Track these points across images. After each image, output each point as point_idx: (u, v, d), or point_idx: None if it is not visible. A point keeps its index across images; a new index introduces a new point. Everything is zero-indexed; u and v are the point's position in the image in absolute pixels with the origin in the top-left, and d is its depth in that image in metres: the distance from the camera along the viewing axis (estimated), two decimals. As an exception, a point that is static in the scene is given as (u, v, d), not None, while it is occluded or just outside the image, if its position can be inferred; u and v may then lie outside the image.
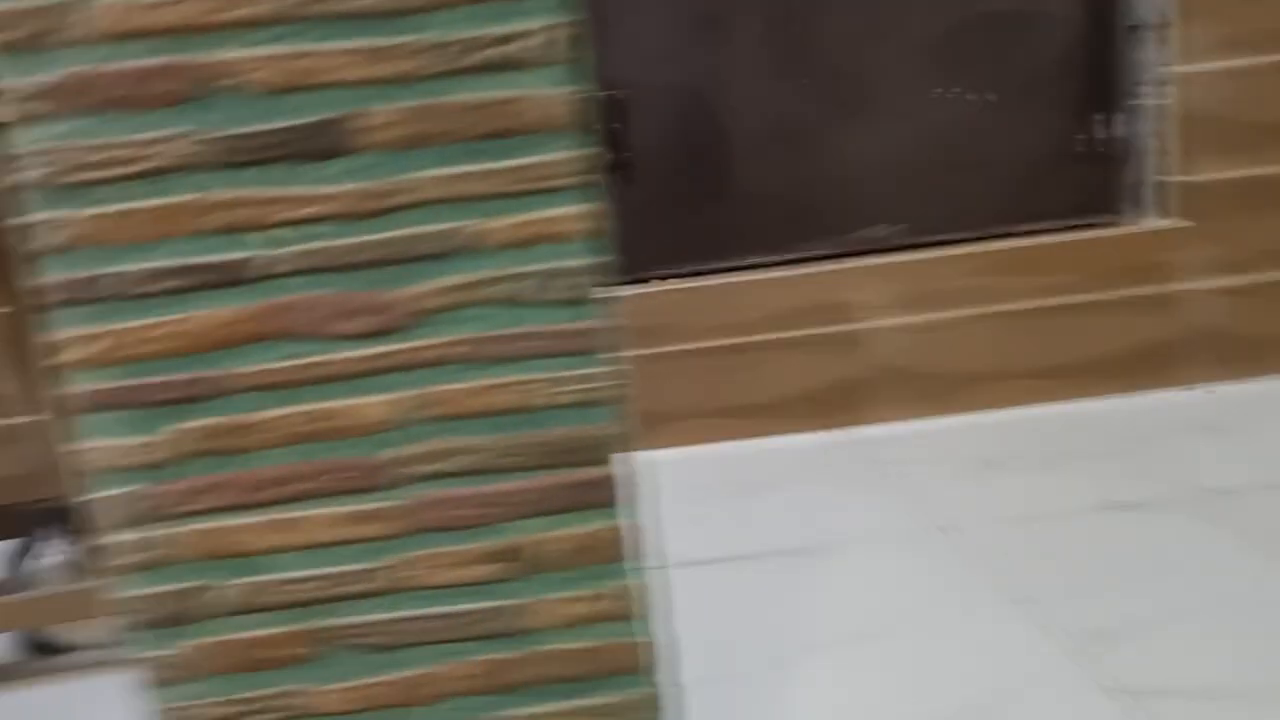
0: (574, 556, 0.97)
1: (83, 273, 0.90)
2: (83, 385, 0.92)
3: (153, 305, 0.91)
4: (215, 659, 0.98)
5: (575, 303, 0.92)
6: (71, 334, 0.91)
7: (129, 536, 0.95)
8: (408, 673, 0.99)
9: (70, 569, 1.49)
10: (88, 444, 0.93)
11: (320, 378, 0.94)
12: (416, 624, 0.98)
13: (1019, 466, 1.94)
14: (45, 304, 0.90)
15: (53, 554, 1.47)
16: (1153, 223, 2.31)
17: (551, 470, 0.95)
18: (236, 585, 0.97)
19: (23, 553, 1.51)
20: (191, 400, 0.93)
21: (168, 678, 0.98)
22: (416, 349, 0.93)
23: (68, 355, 0.91)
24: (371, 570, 0.97)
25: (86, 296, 0.90)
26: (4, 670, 1.46)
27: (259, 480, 0.95)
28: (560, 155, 0.90)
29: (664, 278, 2.37)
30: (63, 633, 1.45)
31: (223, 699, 0.99)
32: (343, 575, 0.97)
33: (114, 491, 0.94)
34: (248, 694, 0.99)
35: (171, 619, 0.97)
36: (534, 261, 0.92)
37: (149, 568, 0.96)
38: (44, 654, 1.48)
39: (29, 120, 0.87)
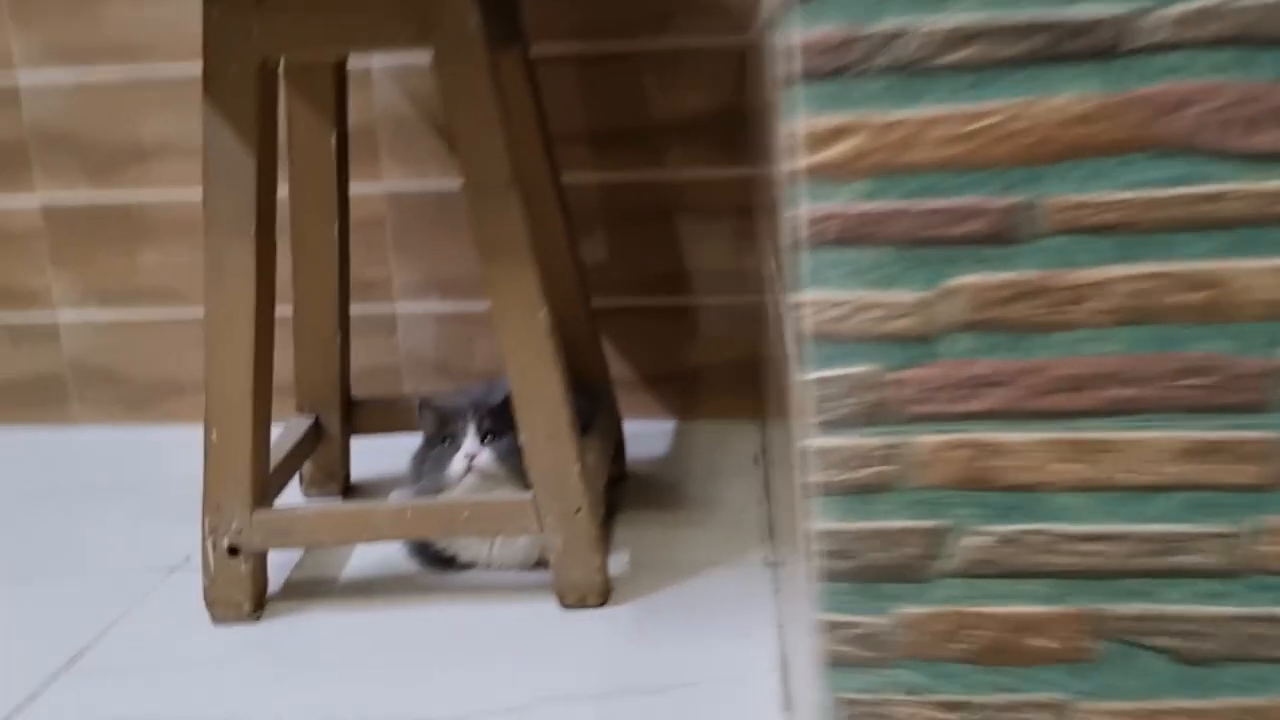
0: None
1: (847, 27, 0.59)
2: (816, 206, 0.61)
3: (949, 84, 0.59)
4: (943, 639, 0.66)
5: None
6: (816, 125, 0.60)
7: (843, 440, 0.64)
8: (1246, 701, 0.64)
9: (487, 473, 1.23)
10: (807, 295, 0.63)
11: (1194, 221, 0.58)
12: (1277, 630, 0.62)
13: None
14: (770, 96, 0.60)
15: (467, 453, 1.21)
16: None
17: None
18: (996, 533, 0.64)
19: (431, 450, 1.28)
20: (983, 241, 0.60)
21: (864, 657, 0.67)
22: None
23: (808, 158, 0.61)
24: (1222, 537, 0.62)
25: (846, 65, 0.59)
26: (394, 582, 1.26)
27: (1056, 378, 0.62)
28: None
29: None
30: (469, 547, 1.22)
31: (939, 699, 0.67)
32: (1173, 539, 0.62)
33: (832, 372, 0.63)
34: (979, 697, 0.66)
35: (890, 571, 0.65)
36: None
37: (867, 490, 0.65)
38: (441, 568, 1.25)
39: None
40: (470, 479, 1.20)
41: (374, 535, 1.14)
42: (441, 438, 1.23)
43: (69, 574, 1.31)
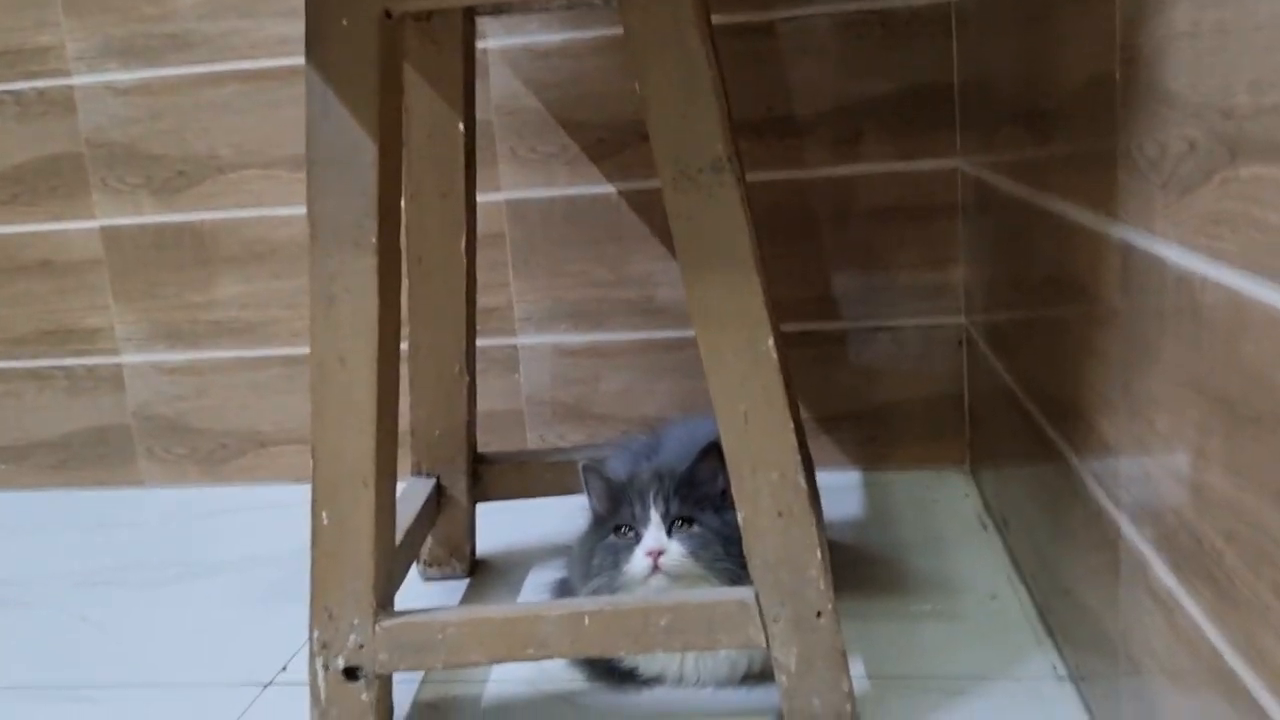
0: None
1: None
2: None
3: None
4: None
5: None
6: None
7: None
8: None
9: (677, 574, 0.90)
10: None
11: None
12: None
13: None
14: None
15: (651, 550, 0.90)
16: None
17: None
18: None
19: (600, 536, 0.96)
20: None
21: None
22: None
23: None
24: None
25: None
26: (556, 705, 0.94)
27: None
28: None
29: None
30: (654, 658, 0.90)
31: None
32: None
33: None
34: None
35: None
36: None
37: None
38: (616, 684, 0.94)
39: None
40: (656, 581, 0.89)
41: (541, 651, 0.84)
42: (614, 520, 0.93)
43: (131, 690, 1.02)
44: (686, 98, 0.77)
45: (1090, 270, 0.76)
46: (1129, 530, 0.71)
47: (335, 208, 0.80)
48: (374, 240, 0.80)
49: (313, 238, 0.81)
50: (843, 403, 1.41)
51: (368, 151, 0.79)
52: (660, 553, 0.89)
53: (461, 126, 1.05)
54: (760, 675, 0.93)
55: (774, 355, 0.80)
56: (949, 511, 1.28)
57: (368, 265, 0.80)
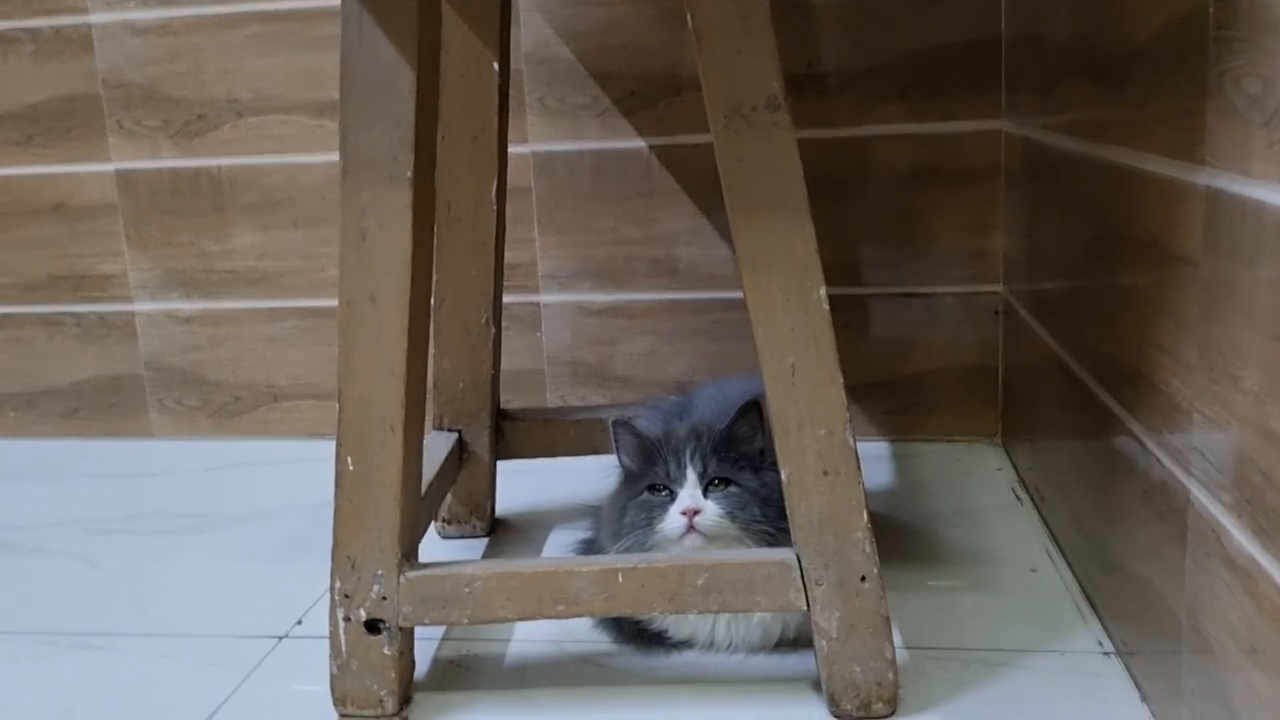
0: None
1: None
2: None
3: None
4: None
5: None
6: None
7: None
8: None
9: (713, 534, 0.87)
10: None
11: None
12: None
13: None
14: None
15: (686, 508, 0.86)
16: None
17: None
18: None
19: (631, 494, 0.92)
20: None
21: None
22: None
23: None
24: None
25: None
26: (580, 666, 0.91)
27: None
28: None
29: None
30: (684, 620, 0.86)
31: None
32: None
33: None
34: None
35: None
36: None
37: None
38: (644, 646, 0.91)
39: None
40: (690, 542, 0.86)
41: (572, 609, 0.80)
42: (647, 479, 0.89)
43: (142, 640, 0.99)
44: (742, 30, 0.73)
45: (1166, 222, 0.72)
46: (1201, 497, 0.67)
47: (369, 139, 0.76)
48: (409, 174, 0.76)
49: (344, 170, 0.77)
50: (873, 371, 1.37)
51: (405, 79, 0.75)
52: (696, 512, 0.85)
53: (496, 66, 1.01)
54: (794, 642, 0.90)
55: (825, 305, 0.76)
56: (982, 484, 1.24)
57: (402, 200, 0.77)
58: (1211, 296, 0.64)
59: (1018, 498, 1.19)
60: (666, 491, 0.88)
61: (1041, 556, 1.05)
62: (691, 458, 0.88)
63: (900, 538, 1.11)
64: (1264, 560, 0.58)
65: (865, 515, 0.78)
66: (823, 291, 0.76)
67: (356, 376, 0.79)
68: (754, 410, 0.88)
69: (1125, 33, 0.80)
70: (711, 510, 0.86)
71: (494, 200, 1.05)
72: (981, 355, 1.35)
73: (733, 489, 0.87)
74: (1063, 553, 1.05)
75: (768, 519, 0.86)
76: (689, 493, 0.87)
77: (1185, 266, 0.69)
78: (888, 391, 1.38)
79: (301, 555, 1.15)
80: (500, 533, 1.18)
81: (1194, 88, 0.66)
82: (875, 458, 1.33)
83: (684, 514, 0.85)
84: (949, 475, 1.27)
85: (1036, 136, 1.13)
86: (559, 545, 1.13)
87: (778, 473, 0.80)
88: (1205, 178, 0.65)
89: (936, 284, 1.35)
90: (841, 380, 0.77)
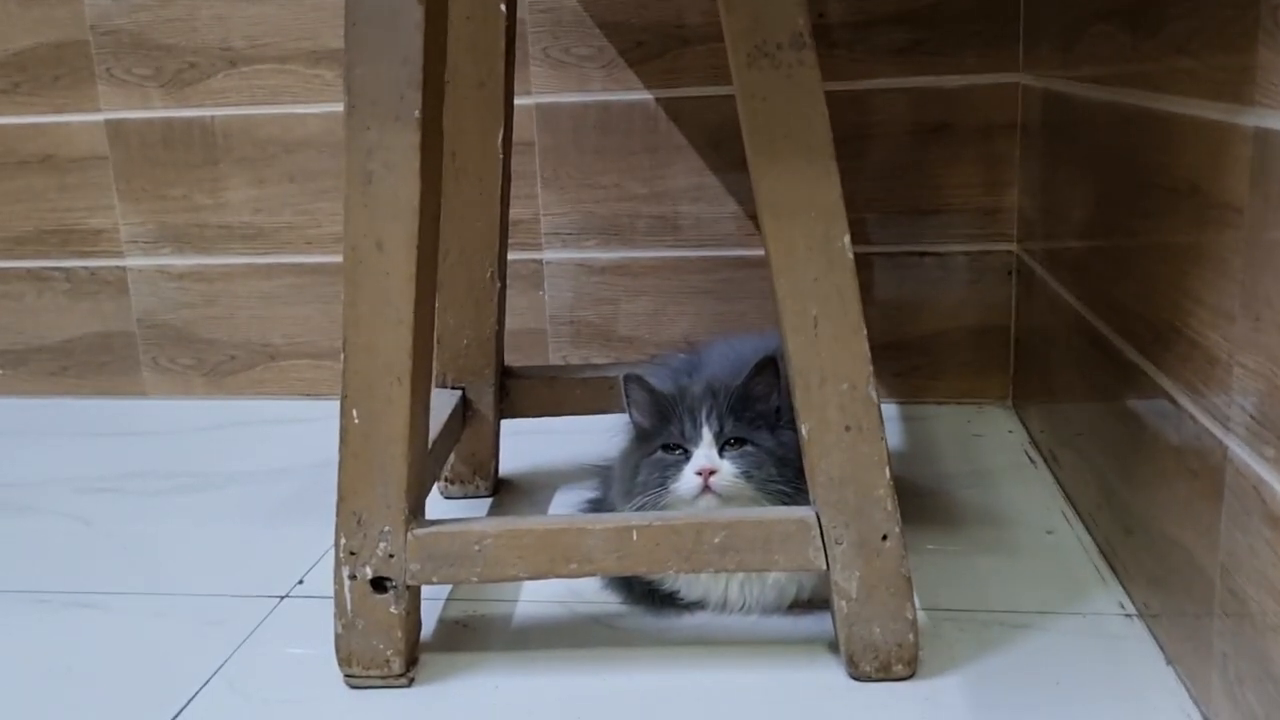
0: None
1: None
2: None
3: None
4: None
5: None
6: None
7: None
8: None
9: (728, 495, 0.86)
10: None
11: None
12: None
13: None
14: None
15: (702, 468, 0.84)
16: None
17: None
18: None
19: (645, 451, 0.89)
20: None
21: None
22: None
23: None
24: None
25: None
26: (590, 627, 0.88)
27: None
28: None
29: None
30: (697, 580, 0.84)
31: None
32: None
33: None
34: None
35: None
36: None
37: None
38: (655, 607, 0.89)
39: None
40: (705, 502, 0.83)
41: (585, 567, 0.78)
42: (661, 437, 0.86)
43: (138, 599, 0.96)
44: (767, -35, 0.70)
45: (1208, 168, 0.69)
46: (1239, 452, 0.65)
47: (375, 75, 0.73)
48: (417, 114, 0.73)
49: (349, 108, 0.74)
50: (883, 331, 1.35)
51: (413, 12, 0.72)
52: (712, 472, 0.83)
53: (503, 8, 0.98)
54: (809, 603, 0.88)
55: (849, 254, 0.73)
56: (994, 446, 1.22)
57: (409, 141, 0.73)
58: (1258, 244, 0.62)
59: (1030, 460, 1.17)
60: (681, 450, 0.85)
61: (1058, 519, 1.03)
62: (708, 416, 0.85)
63: (913, 500, 1.09)
64: (1314, 515, 0.55)
65: (887, 473, 0.76)
66: (847, 240, 0.73)
67: (362, 325, 0.76)
68: (770, 367, 0.86)
69: (1162, -27, 0.77)
70: (727, 470, 0.83)
71: (500, 151, 1.02)
72: (993, 316, 1.33)
73: (749, 448, 0.84)
74: (1079, 515, 1.03)
75: (784, 479, 0.83)
76: (704, 452, 0.84)
77: (1228, 213, 0.66)
78: (897, 353, 1.36)
79: (301, 516, 1.12)
80: (504, 493, 1.15)
81: (1244, 23, 0.63)
82: (885, 420, 1.31)
83: (699, 474, 0.83)
84: (960, 437, 1.25)
85: (1058, 88, 1.10)
86: (565, 506, 1.10)
87: (794, 431, 0.78)
88: (1254, 119, 0.62)
89: (948, 243, 1.32)
90: (865, 333, 0.75)
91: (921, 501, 1.08)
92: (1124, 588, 0.89)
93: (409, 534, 0.78)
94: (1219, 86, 0.67)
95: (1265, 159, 0.60)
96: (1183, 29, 0.74)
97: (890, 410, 1.34)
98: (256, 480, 1.22)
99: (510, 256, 1.37)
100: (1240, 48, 0.63)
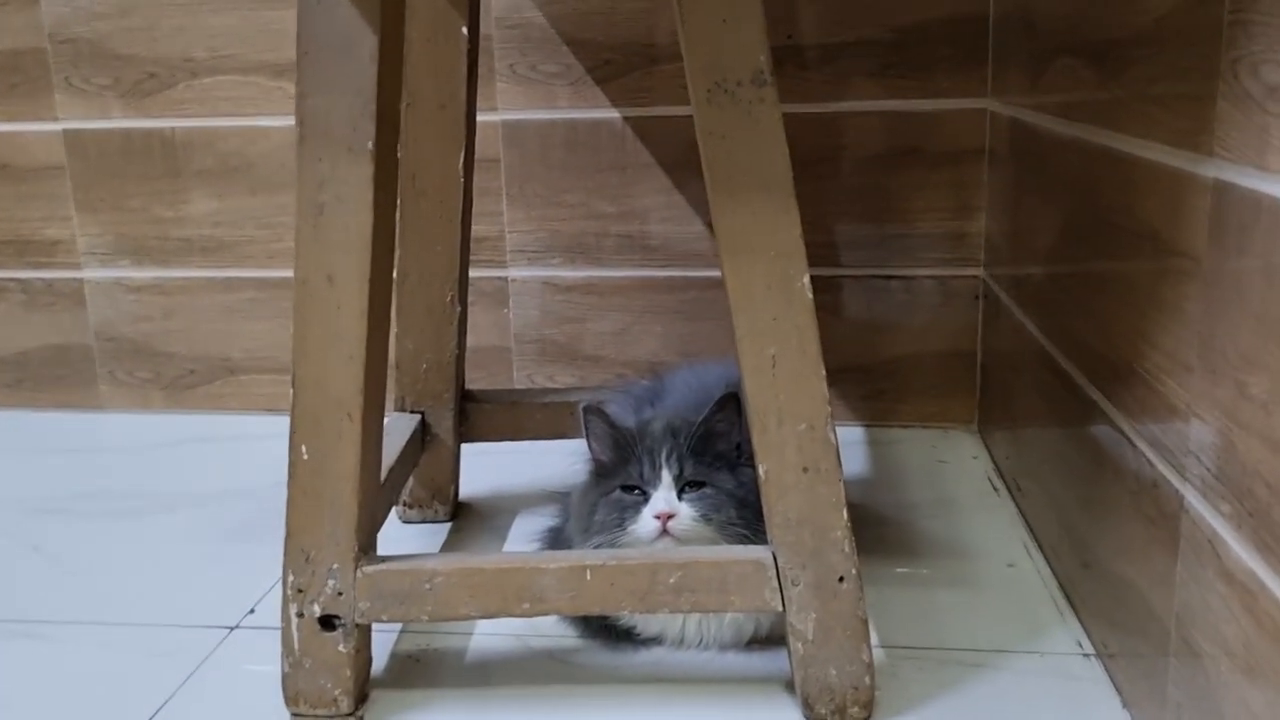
0: None
1: None
2: None
3: None
4: None
5: None
6: None
7: None
8: None
9: (686, 538, 0.84)
10: None
11: None
12: None
13: None
14: None
15: (660, 511, 0.83)
16: None
17: None
18: None
19: (603, 490, 0.88)
20: None
21: None
22: None
23: None
24: None
25: None
26: (545, 664, 0.87)
27: None
28: None
29: None
30: (653, 617, 0.83)
31: None
32: None
33: None
34: None
35: None
36: None
37: None
38: (611, 642, 0.87)
39: None
40: (663, 545, 0.82)
41: (538, 607, 0.77)
42: (620, 477, 0.85)
43: (83, 629, 0.94)
44: (726, 3, 0.69)
45: (1168, 214, 0.69)
46: (1196, 504, 0.64)
47: (328, 105, 0.71)
48: (370, 146, 0.71)
49: (301, 139, 0.72)
50: (849, 355, 1.34)
51: (367, 42, 0.70)
52: (670, 516, 0.82)
53: (465, 30, 0.96)
54: (766, 640, 0.87)
55: (808, 294, 0.72)
56: (958, 472, 1.22)
57: (362, 173, 0.72)
58: (1216, 296, 0.61)
59: (994, 487, 1.17)
60: (639, 492, 0.84)
61: (1019, 550, 1.02)
62: (667, 458, 0.84)
63: (875, 528, 1.08)
64: (1266, 577, 0.55)
65: (845, 514, 0.75)
66: (807, 279, 0.72)
67: (312, 360, 0.74)
68: (732, 403, 0.85)
69: (1130, 11, 0.77)
70: (686, 514, 0.82)
71: (461, 173, 1.00)
72: (959, 340, 1.33)
73: (708, 490, 0.83)
74: (1040, 547, 1.02)
75: (744, 520, 0.82)
76: (664, 495, 0.83)
77: (1187, 261, 0.65)
78: (863, 376, 1.35)
79: (256, 539, 1.10)
80: (463, 518, 1.14)
81: (1204, 74, 0.62)
82: (849, 443, 1.30)
83: (657, 517, 0.82)
84: (924, 463, 1.25)
85: (1024, 118, 1.10)
86: (524, 532, 1.09)
87: (755, 469, 0.77)
88: (1213, 169, 0.61)
89: (915, 266, 1.31)
90: (824, 373, 0.74)
91: (884, 531, 1.08)
92: (1082, 625, 0.89)
93: (358, 571, 0.76)
94: (1180, 135, 0.67)
95: (1223, 212, 0.60)
96: (1145, 73, 0.73)
97: (856, 433, 1.34)
98: (213, 501, 1.20)
99: (475, 274, 1.36)
100: (1200, 96, 0.63)
